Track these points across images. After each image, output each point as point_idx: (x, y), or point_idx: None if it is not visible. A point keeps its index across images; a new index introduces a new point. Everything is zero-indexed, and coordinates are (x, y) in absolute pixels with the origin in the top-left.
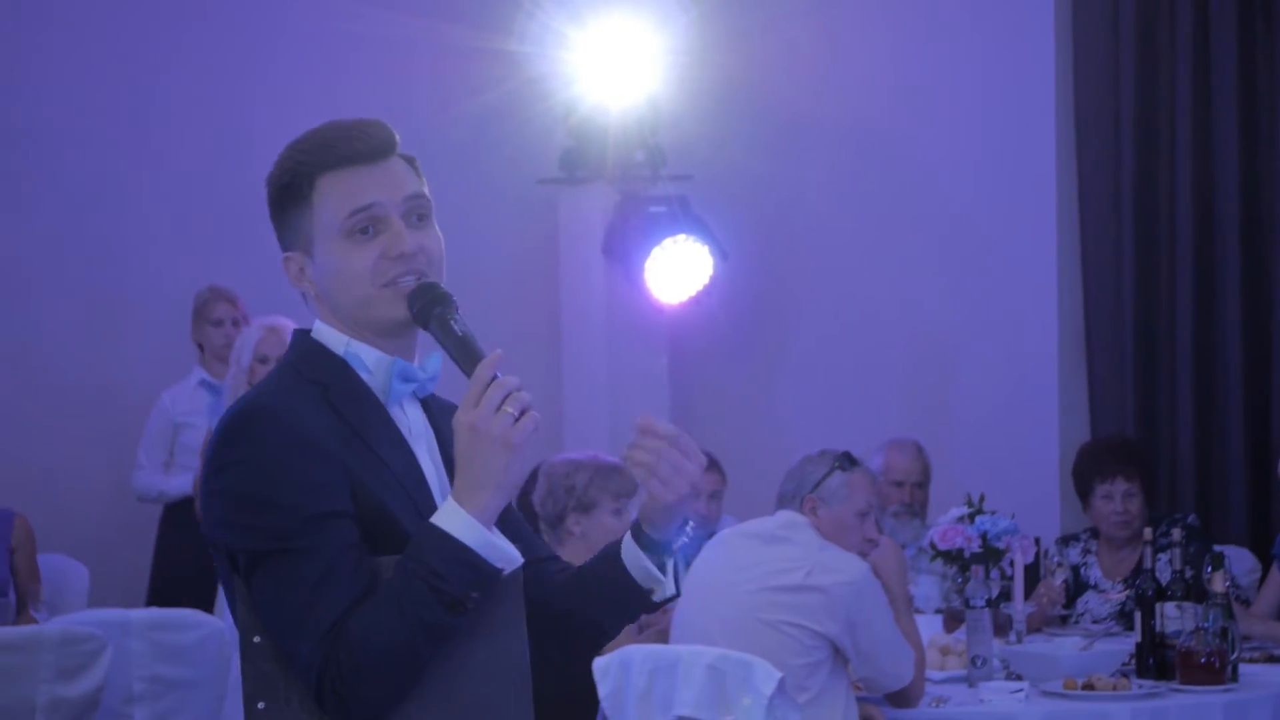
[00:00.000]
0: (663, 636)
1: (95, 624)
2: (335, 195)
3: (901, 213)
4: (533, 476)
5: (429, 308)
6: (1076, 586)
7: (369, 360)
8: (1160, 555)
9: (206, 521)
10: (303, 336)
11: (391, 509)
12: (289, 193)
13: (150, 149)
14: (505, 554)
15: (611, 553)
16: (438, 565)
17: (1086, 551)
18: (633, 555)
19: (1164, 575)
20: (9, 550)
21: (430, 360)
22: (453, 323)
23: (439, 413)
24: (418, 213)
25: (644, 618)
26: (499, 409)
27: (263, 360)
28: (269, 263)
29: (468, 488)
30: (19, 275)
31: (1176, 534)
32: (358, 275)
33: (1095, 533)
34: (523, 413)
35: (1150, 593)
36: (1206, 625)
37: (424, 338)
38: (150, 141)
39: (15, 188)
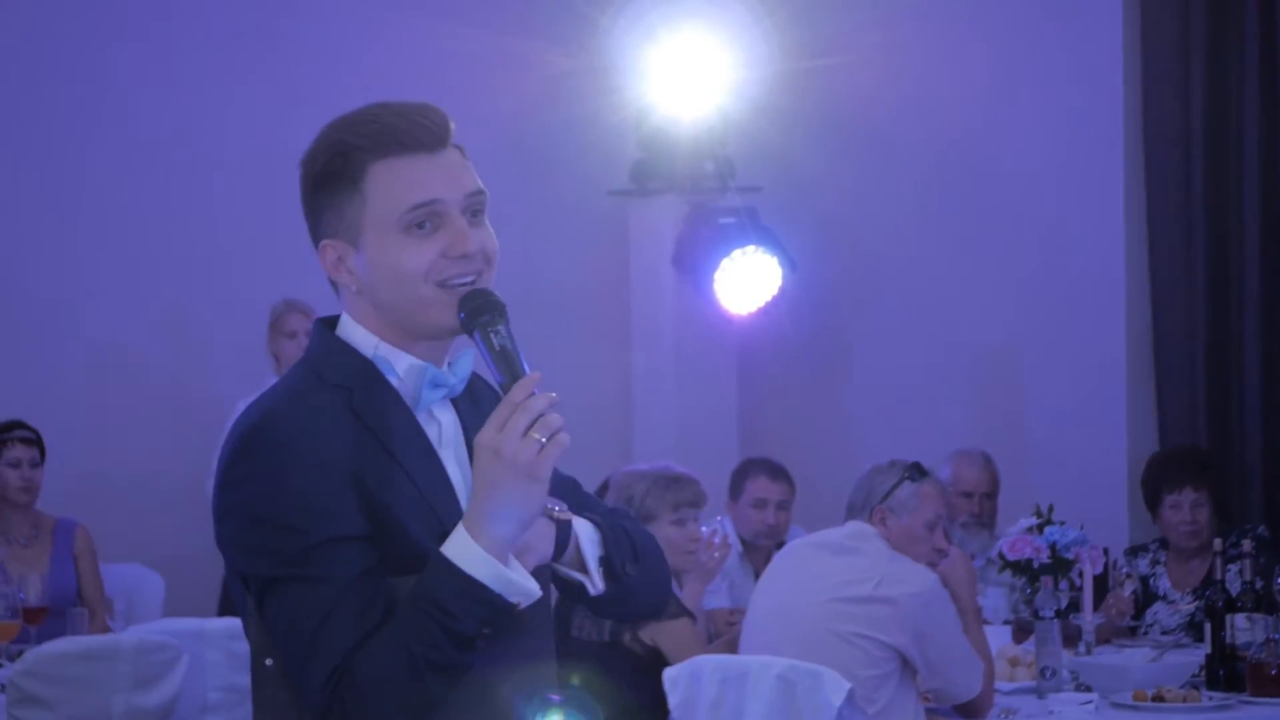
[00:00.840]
0: (732, 647)
1: (171, 633)
2: (393, 185)
3: (970, 223)
4: (603, 486)
5: (476, 314)
6: (1145, 597)
7: (400, 366)
8: (1230, 566)
9: (218, 538)
10: (326, 332)
11: (411, 529)
12: (336, 177)
13: (227, 161)
14: (521, 588)
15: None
16: (448, 602)
17: (1155, 562)
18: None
19: (1234, 587)
20: (74, 560)
21: (461, 361)
22: (493, 335)
23: (475, 399)
24: (475, 209)
25: (711, 627)
26: (525, 434)
27: (291, 335)
28: None
29: (483, 517)
30: (97, 284)
31: (1247, 545)
32: (412, 273)
33: (1164, 543)
34: (551, 437)
35: (1220, 604)
36: (1277, 637)
37: (458, 337)
38: (227, 154)
39: (94, 199)
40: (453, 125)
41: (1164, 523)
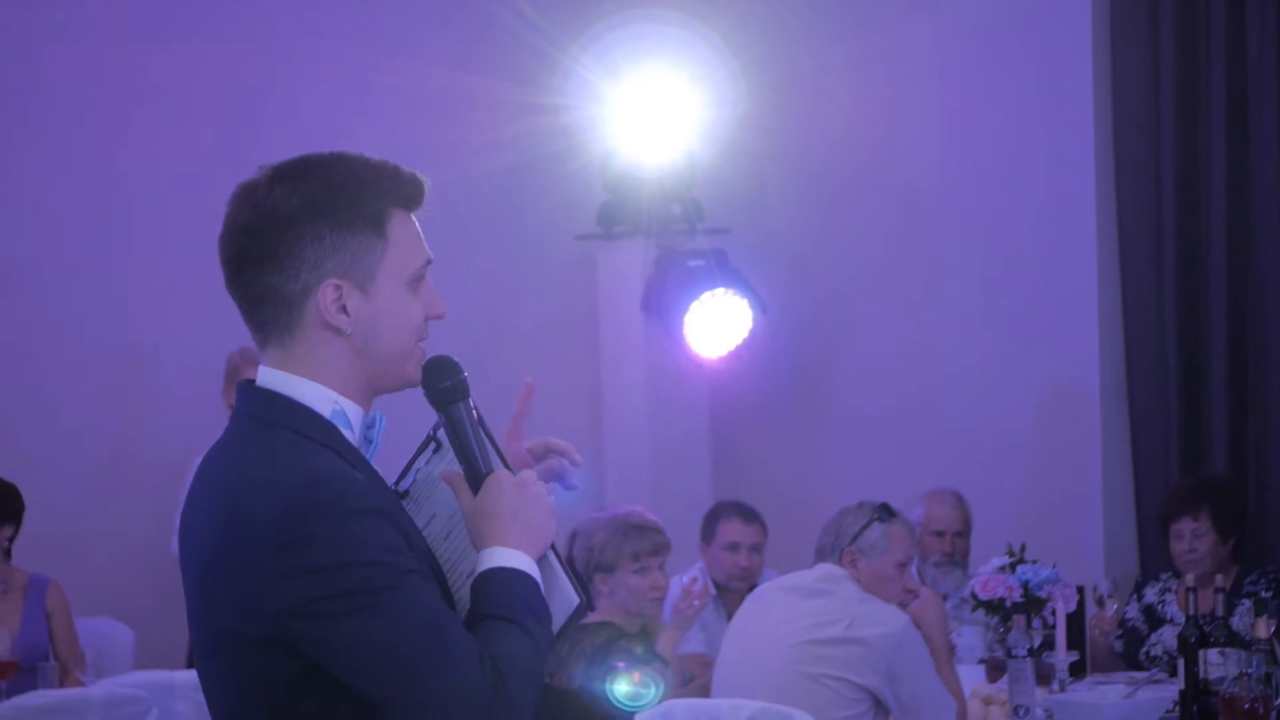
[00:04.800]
0: (705, 691)
1: (141, 685)
2: (410, 238)
3: (940, 263)
4: (572, 536)
5: (452, 393)
6: (1152, 622)
7: (353, 417)
8: (1243, 601)
9: (277, 607)
10: (274, 394)
11: (435, 567)
12: (359, 218)
13: (173, 208)
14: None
15: None
16: (529, 598)
17: (1165, 590)
18: None
19: (1244, 622)
20: (46, 616)
21: (380, 417)
22: (474, 410)
23: None
24: None
25: (687, 671)
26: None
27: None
28: None
29: (522, 538)
30: (43, 341)
31: (1264, 592)
32: (412, 328)
33: (1177, 573)
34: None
35: (1193, 640)
36: (1250, 671)
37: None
38: (173, 201)
39: (35, 255)
40: None
41: (1170, 552)
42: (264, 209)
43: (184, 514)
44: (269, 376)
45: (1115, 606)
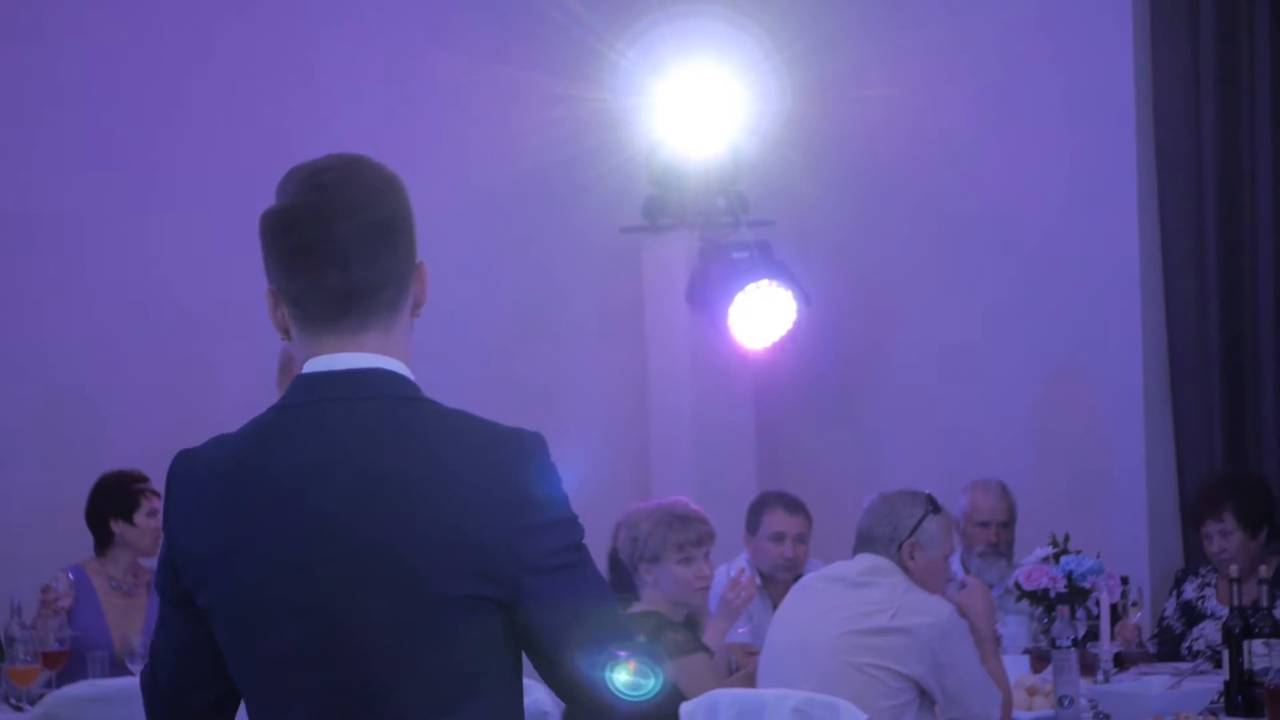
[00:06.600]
0: (749, 680)
1: None
2: None
3: (982, 256)
4: (617, 527)
5: None
6: (1191, 617)
7: None
8: None
9: (519, 565)
10: (394, 375)
11: None
12: None
13: (222, 202)
14: None
15: None
16: None
17: (1205, 585)
18: None
19: None
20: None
21: None
22: None
23: None
24: None
25: (733, 661)
26: None
27: None
28: None
29: None
30: (101, 338)
31: (1263, 570)
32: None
33: (1216, 568)
34: None
35: (1238, 630)
36: None
37: None
38: (221, 195)
39: (96, 255)
40: None
41: (1208, 552)
42: (390, 193)
43: (328, 502)
44: (373, 360)
45: (1139, 615)
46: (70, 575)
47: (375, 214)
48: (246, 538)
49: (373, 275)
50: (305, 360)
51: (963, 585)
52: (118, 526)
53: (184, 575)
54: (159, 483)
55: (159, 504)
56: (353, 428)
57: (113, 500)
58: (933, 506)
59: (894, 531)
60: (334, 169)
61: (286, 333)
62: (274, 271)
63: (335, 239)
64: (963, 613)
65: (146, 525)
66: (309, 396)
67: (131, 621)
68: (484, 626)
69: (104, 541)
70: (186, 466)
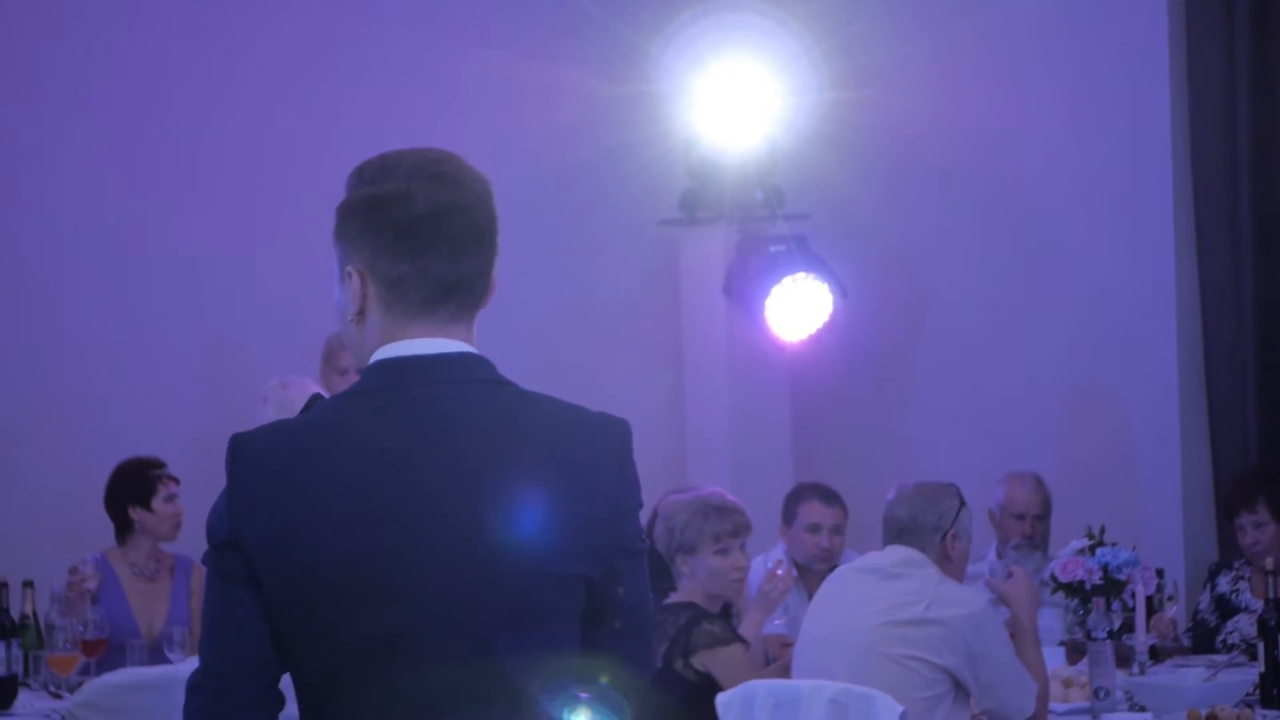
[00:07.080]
0: (785, 671)
1: None
2: None
3: (1017, 250)
4: (654, 516)
5: None
6: (1226, 610)
7: None
8: None
9: (616, 546)
10: (491, 365)
11: None
12: None
13: (275, 196)
14: None
15: None
16: None
17: (1238, 578)
18: None
19: None
20: (189, 595)
21: None
22: None
23: None
24: None
25: (769, 652)
26: None
27: (343, 372)
28: None
29: None
30: (147, 322)
31: (1269, 562)
32: None
33: (1250, 561)
34: None
35: (1274, 622)
36: None
37: None
38: (266, 189)
39: (141, 237)
40: None
41: (1241, 544)
42: (490, 193)
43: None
44: (463, 346)
45: (1174, 609)
46: (94, 561)
47: (482, 210)
48: (335, 521)
49: (473, 269)
50: (378, 345)
51: (1009, 575)
52: (136, 513)
53: (252, 556)
54: (178, 469)
55: (176, 489)
56: (458, 410)
57: (130, 487)
58: (962, 499)
59: (939, 521)
60: (447, 161)
61: (360, 314)
62: (368, 252)
63: (451, 229)
64: (1007, 603)
65: (164, 511)
66: (400, 379)
67: (156, 607)
68: (576, 609)
69: (124, 529)
70: (249, 449)
